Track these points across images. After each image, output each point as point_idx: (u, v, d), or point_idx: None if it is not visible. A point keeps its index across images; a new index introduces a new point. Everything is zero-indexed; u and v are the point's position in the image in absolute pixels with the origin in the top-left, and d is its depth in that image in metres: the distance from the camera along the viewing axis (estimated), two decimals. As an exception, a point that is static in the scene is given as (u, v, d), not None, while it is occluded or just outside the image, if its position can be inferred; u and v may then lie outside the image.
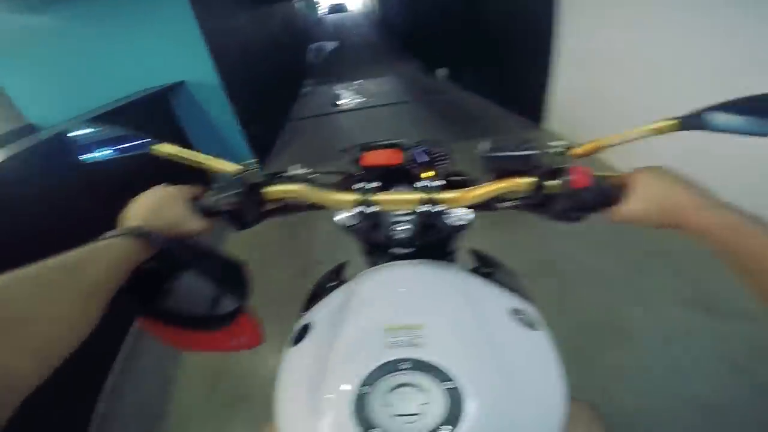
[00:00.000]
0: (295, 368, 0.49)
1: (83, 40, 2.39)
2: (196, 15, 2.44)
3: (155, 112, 2.43)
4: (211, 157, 0.58)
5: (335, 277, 0.70)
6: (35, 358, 0.31)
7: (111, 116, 1.86)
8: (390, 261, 0.61)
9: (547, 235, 1.91)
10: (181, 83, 2.61)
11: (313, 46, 8.98)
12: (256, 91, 3.48)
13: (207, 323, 0.54)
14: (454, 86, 4.88)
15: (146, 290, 0.50)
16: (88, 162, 0.61)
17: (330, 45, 9.29)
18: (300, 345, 0.51)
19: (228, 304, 0.53)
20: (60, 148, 1.39)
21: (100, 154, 0.61)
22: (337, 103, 4.80)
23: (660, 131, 0.48)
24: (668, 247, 1.68)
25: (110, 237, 0.44)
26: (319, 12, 20.48)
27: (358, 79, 5.91)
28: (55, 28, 2.33)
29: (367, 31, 12.30)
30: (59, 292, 0.35)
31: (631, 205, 0.46)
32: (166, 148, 0.58)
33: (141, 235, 0.45)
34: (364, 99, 4.81)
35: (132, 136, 0.61)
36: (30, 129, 2.51)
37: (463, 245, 0.68)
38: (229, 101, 2.77)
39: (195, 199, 0.54)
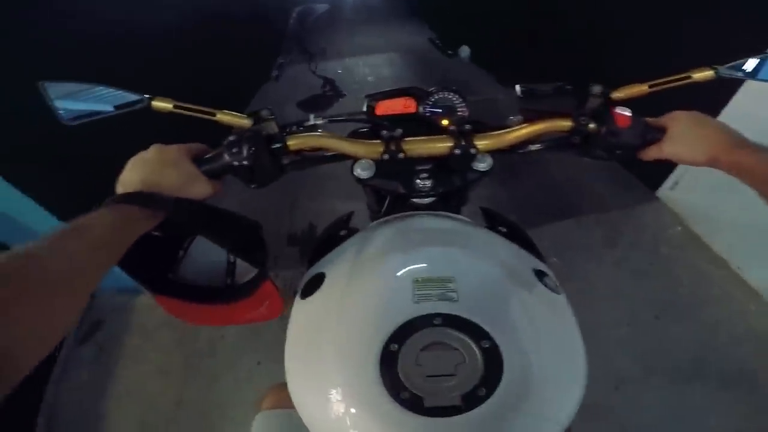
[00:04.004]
0: (308, 323, 0.46)
1: None
2: None
3: None
4: (219, 111, 0.53)
5: (344, 226, 0.65)
6: (41, 328, 0.31)
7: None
8: (406, 212, 0.59)
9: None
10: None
11: (299, 9, 7.40)
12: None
13: (227, 295, 0.50)
14: (486, 77, 3.40)
15: (155, 262, 0.48)
16: (74, 124, 0.51)
17: (320, 8, 7.67)
18: (312, 297, 0.48)
19: (247, 272, 0.50)
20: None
21: (89, 114, 0.51)
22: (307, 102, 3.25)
23: (697, 79, 0.52)
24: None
25: (110, 204, 0.41)
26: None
27: (349, 55, 4.40)
28: None
29: (370, -12, 10.55)
30: (70, 254, 0.34)
31: (670, 144, 0.53)
32: (167, 103, 0.52)
33: (144, 200, 0.42)
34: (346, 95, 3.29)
35: (124, 92, 0.51)
36: None
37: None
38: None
39: (198, 158, 0.50)
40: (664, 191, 1.97)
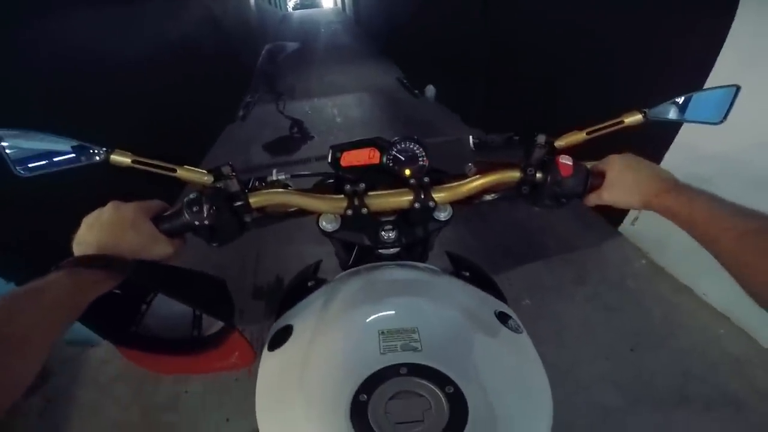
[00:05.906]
0: (277, 375, 0.48)
1: None
2: None
3: None
4: (180, 167, 0.52)
5: (312, 277, 0.67)
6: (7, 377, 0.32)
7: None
8: (373, 262, 0.63)
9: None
10: None
11: (269, 47, 7.57)
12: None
13: (191, 346, 0.51)
14: (450, 116, 3.57)
15: (117, 316, 0.48)
16: (28, 176, 0.49)
17: (290, 46, 7.89)
18: (281, 349, 0.50)
19: (213, 323, 0.51)
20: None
21: (45, 165, 0.49)
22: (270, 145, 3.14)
23: (628, 123, 0.56)
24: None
25: (67, 266, 0.41)
26: (287, 7, 18.97)
27: (318, 95, 4.48)
28: None
29: (340, 29, 11.03)
30: (25, 317, 0.36)
31: (608, 190, 0.56)
32: (126, 158, 0.51)
33: (103, 263, 0.42)
34: (315, 137, 3.20)
35: (81, 143, 0.50)
36: None
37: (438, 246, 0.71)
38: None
39: (157, 217, 0.50)
40: (626, 227, 2.06)
